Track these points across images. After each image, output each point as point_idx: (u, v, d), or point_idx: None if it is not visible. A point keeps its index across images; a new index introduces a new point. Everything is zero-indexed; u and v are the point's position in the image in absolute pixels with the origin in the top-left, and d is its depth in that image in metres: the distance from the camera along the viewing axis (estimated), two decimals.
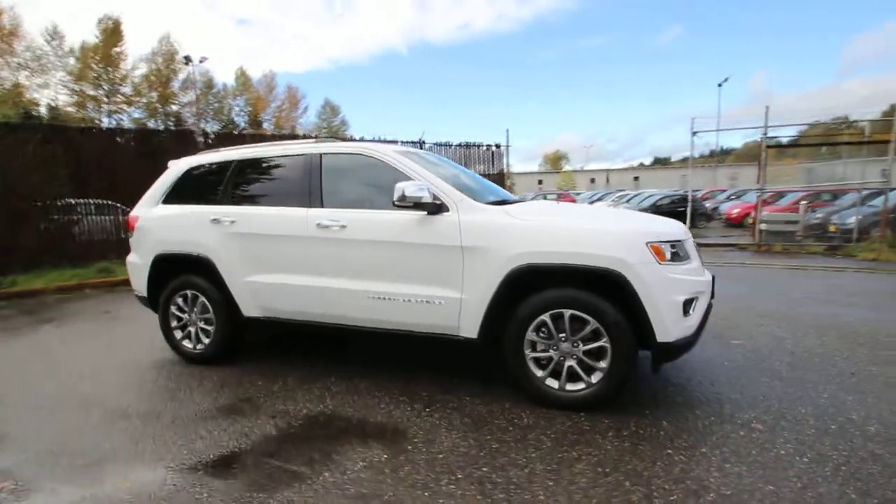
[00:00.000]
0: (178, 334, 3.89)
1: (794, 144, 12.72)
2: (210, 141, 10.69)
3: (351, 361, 3.78)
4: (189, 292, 3.79)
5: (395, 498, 2.08)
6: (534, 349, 2.88)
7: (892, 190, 9.65)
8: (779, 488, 2.05)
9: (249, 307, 3.60)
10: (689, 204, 12.38)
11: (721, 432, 2.55)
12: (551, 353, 2.84)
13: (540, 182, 51.17)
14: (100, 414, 2.99)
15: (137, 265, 4.02)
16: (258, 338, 4.37)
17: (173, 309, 3.87)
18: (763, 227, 11.16)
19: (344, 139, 5.93)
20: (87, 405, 3.12)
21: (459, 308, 2.96)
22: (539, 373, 2.87)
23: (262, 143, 3.91)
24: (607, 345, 2.71)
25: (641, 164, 72.61)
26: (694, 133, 11.89)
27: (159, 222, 3.91)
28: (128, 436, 2.70)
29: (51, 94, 35.36)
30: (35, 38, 33.99)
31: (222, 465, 2.37)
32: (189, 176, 3.98)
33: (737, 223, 16.80)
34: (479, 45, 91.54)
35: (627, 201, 20.82)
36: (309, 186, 3.41)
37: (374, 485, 2.18)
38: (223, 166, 3.84)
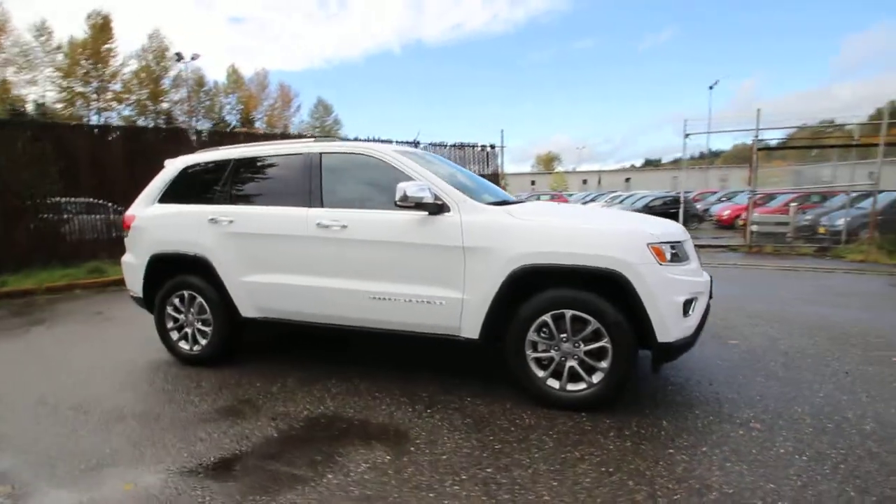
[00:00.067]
0: (175, 335, 3.84)
1: (786, 147, 12.90)
2: (203, 139, 10.59)
3: (350, 362, 3.77)
4: (186, 293, 3.75)
5: (400, 499, 2.08)
6: (535, 349, 2.89)
7: (880, 192, 9.81)
8: (780, 486, 2.08)
9: (247, 308, 3.57)
10: (682, 205, 12.51)
11: (721, 431, 2.58)
12: (552, 353, 2.85)
13: (532, 183, 51.40)
14: (96, 416, 2.95)
15: (133, 265, 3.97)
16: (256, 339, 4.33)
17: (169, 309, 3.83)
18: (754, 228, 11.30)
19: (337, 139, 5.91)
20: (83, 408, 3.07)
21: (461, 308, 2.96)
22: (540, 373, 2.88)
23: (260, 143, 3.89)
24: (608, 345, 2.73)
25: (633, 166, 73.23)
26: (687, 135, 12.00)
27: (155, 222, 3.87)
28: (126, 438, 2.67)
29: (38, 90, 34.86)
30: (22, 33, 33.49)
31: (224, 468, 2.35)
32: (186, 175, 3.94)
33: (728, 224, 16.98)
34: (473, 45, 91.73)
35: (620, 202, 20.98)
36: (309, 186, 3.39)
37: (379, 486, 2.17)
38: (221, 165, 3.81)
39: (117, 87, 38.55)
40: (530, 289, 2.85)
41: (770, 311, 5.04)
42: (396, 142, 11.56)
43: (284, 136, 13.13)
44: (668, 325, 2.65)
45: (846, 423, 2.63)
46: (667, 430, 2.60)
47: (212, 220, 3.60)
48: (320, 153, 3.45)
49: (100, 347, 4.38)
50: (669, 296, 2.66)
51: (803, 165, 14.41)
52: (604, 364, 2.75)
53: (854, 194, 10.98)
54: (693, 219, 17.04)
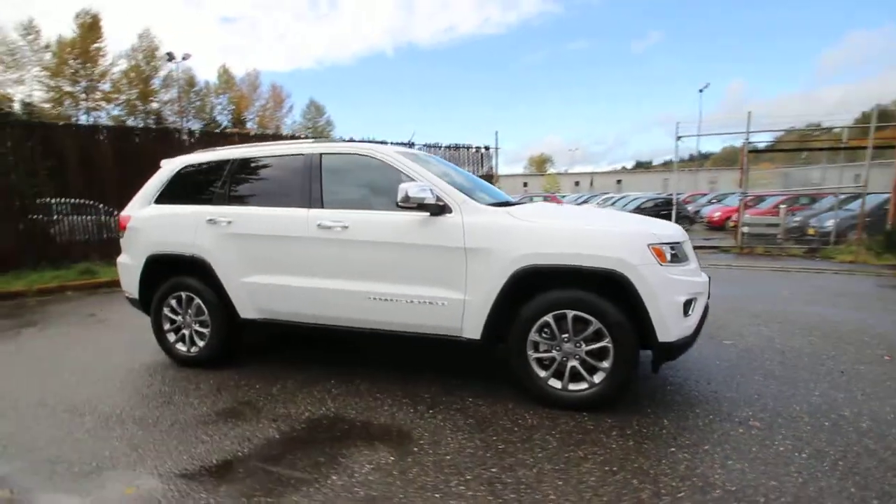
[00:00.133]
0: (172, 337, 3.80)
1: (777, 149, 13.07)
2: (195, 140, 10.48)
3: (350, 363, 3.75)
4: (183, 294, 3.71)
5: (405, 500, 2.07)
6: (536, 350, 2.90)
7: (868, 195, 9.98)
8: (781, 483, 2.11)
9: (246, 309, 3.54)
10: (674, 207, 12.62)
11: (721, 430, 2.60)
12: (554, 353, 2.87)
13: (525, 184, 51.57)
14: (94, 420, 2.91)
15: (129, 266, 3.93)
16: (253, 340, 4.30)
17: (166, 311, 3.79)
18: (745, 229, 11.44)
19: (331, 140, 5.88)
20: (79, 411, 3.03)
21: (463, 309, 2.97)
22: (542, 373, 2.89)
23: (259, 143, 3.87)
24: (610, 345, 2.75)
25: (624, 168, 73.75)
26: (679, 137, 12.13)
27: (152, 222, 3.83)
28: (125, 441, 2.63)
29: (26, 89, 34.34)
30: (9, 32, 32.99)
31: (226, 470, 2.33)
32: (183, 175, 3.91)
33: (718, 226, 17.18)
34: (465, 47, 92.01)
35: (612, 204, 21.12)
36: (309, 187, 3.38)
37: (384, 487, 2.17)
38: (219, 166, 3.78)
39: (106, 86, 38.16)
40: (532, 289, 2.86)
41: (765, 312, 5.10)
42: (390, 143, 11.53)
43: (276, 136, 12.98)
44: (669, 325, 2.68)
45: (843, 421, 2.67)
46: (668, 429, 2.62)
47: (210, 220, 3.58)
48: (321, 154, 3.44)
49: (94, 349, 4.32)
50: (670, 296, 2.69)
51: (791, 168, 14.62)
52: (605, 364, 2.77)
53: (842, 196, 11.16)
54: (684, 220, 17.20)
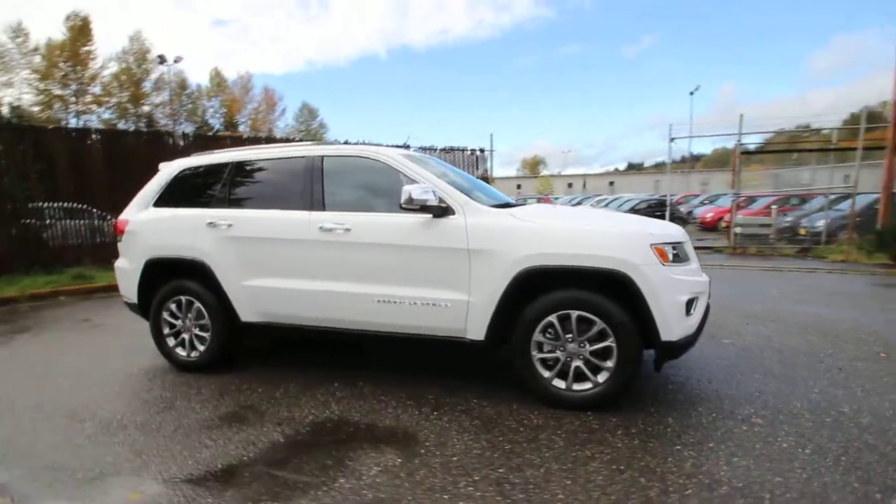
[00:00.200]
0: (171, 341, 3.77)
1: (768, 151, 13.24)
2: (188, 143, 10.40)
3: (353, 366, 3.74)
4: (183, 298, 3.69)
5: (415, 502, 2.07)
6: (540, 350, 2.91)
7: (858, 195, 10.13)
8: (786, 479, 2.13)
9: (247, 312, 3.52)
10: (668, 208, 12.73)
11: (724, 427, 2.63)
12: (558, 353, 2.88)
13: (518, 186, 51.78)
14: (94, 425, 2.87)
15: (127, 270, 3.89)
16: (253, 344, 4.27)
17: (165, 315, 3.76)
18: (738, 230, 11.56)
19: (324, 142, 5.87)
20: (78, 417, 2.99)
21: (466, 310, 2.97)
22: (546, 373, 2.90)
23: (259, 146, 3.86)
24: (613, 345, 2.76)
25: (616, 170, 74.26)
26: (672, 139, 12.26)
27: (150, 226, 3.80)
28: (128, 447, 2.60)
29: (14, 92, 33.91)
30: None
31: (232, 475, 2.31)
32: (182, 178, 3.89)
33: (711, 227, 17.35)
34: (459, 50, 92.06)
35: (606, 206, 21.25)
36: (310, 189, 3.37)
37: (392, 489, 2.16)
38: (218, 169, 3.76)
39: (97, 89, 37.77)
40: (535, 290, 2.88)
41: (761, 311, 5.16)
42: (385, 146, 11.53)
43: (269, 139, 12.94)
44: (672, 325, 2.70)
45: (843, 418, 2.70)
46: (672, 428, 2.64)
47: (210, 223, 3.55)
48: (322, 156, 3.44)
49: (90, 355, 4.27)
50: (672, 295, 2.71)
51: (781, 169, 14.80)
52: (609, 363, 2.79)
53: (832, 196, 11.31)
54: (677, 221, 17.22)
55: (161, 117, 40.53)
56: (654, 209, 17.44)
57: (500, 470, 2.28)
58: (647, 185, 45.59)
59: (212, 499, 2.13)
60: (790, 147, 13.77)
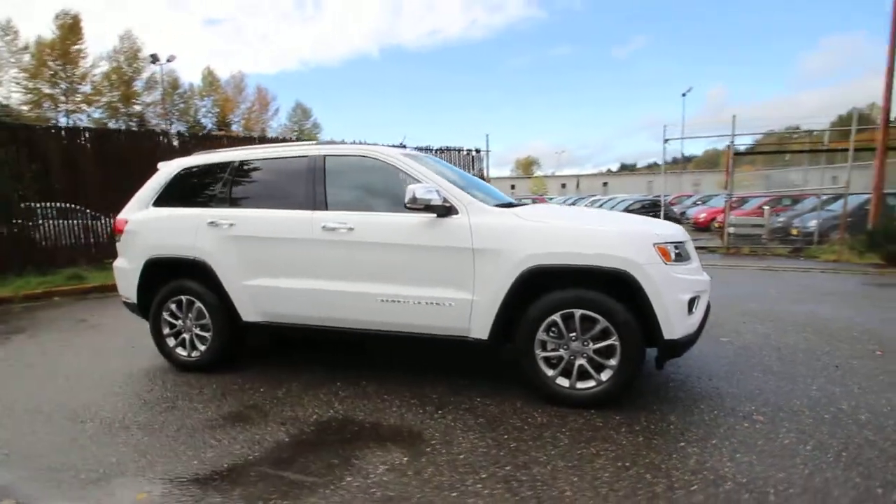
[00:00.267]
0: (172, 341, 3.75)
1: (761, 152, 13.39)
2: (183, 143, 10.32)
3: (355, 365, 3.74)
4: (183, 298, 3.67)
5: (423, 499, 2.08)
6: (544, 349, 2.93)
7: (849, 195, 10.27)
8: (789, 475, 2.16)
9: (249, 312, 3.51)
10: (662, 208, 12.83)
11: (726, 424, 2.66)
12: (561, 352, 2.90)
13: (513, 187, 51.84)
14: (96, 426, 2.85)
15: (126, 270, 3.86)
16: (255, 343, 4.25)
17: (166, 315, 3.73)
18: (731, 230, 11.68)
19: (318, 141, 5.84)
20: (80, 418, 2.97)
21: (470, 309, 2.98)
22: (550, 372, 2.92)
23: (260, 146, 3.85)
24: (616, 343, 2.79)
25: (609, 171, 74.71)
26: (666, 140, 12.34)
27: (150, 225, 3.78)
28: (132, 447, 2.59)
29: (3, 91, 33.47)
30: None
31: (239, 474, 2.31)
32: (182, 178, 3.86)
33: (704, 227, 17.49)
34: (452, 50, 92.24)
35: (600, 206, 21.37)
36: (313, 189, 3.37)
37: (400, 487, 2.17)
38: (219, 168, 3.75)
39: (87, 88, 37.34)
40: (539, 289, 2.89)
41: (758, 310, 5.22)
42: (382, 145, 11.52)
43: (263, 139, 12.84)
44: (674, 323, 2.73)
45: (842, 414, 2.75)
46: (675, 425, 2.67)
47: (211, 223, 3.54)
48: (324, 156, 3.43)
49: (88, 355, 4.23)
50: (675, 294, 2.74)
51: (772, 170, 14.98)
52: (612, 362, 2.81)
53: (824, 197, 11.46)
54: (671, 221, 17.45)
55: (152, 117, 40.18)
56: (648, 209, 17.55)
57: (507, 467, 2.30)
58: (640, 186, 45.93)
59: (220, 498, 2.12)
60: (780, 148, 13.94)
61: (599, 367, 2.85)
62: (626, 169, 74.50)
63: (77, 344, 4.62)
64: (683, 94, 33.38)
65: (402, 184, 3.21)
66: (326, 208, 3.32)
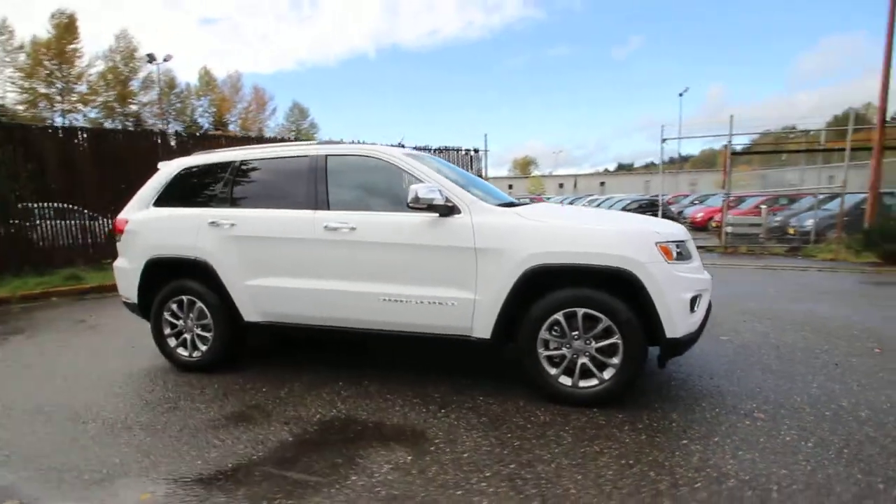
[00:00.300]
0: (172, 342, 3.74)
1: (759, 152, 13.45)
2: (181, 143, 10.28)
3: (357, 365, 3.75)
4: (185, 298, 3.66)
5: (428, 498, 2.08)
6: (546, 348, 2.94)
7: (846, 194, 10.33)
8: (792, 472, 2.18)
9: (250, 312, 3.51)
10: (660, 208, 12.86)
11: (728, 422, 2.67)
12: (564, 350, 2.91)
13: (510, 186, 51.88)
14: (98, 427, 2.84)
15: (126, 270, 3.85)
16: (255, 343, 4.24)
17: (167, 315, 3.72)
18: (729, 229, 11.73)
19: (314, 141, 5.83)
20: (81, 418, 2.96)
21: (473, 309, 2.99)
22: (552, 371, 2.93)
23: (261, 145, 3.85)
24: (619, 342, 2.80)
25: (606, 170, 74.87)
26: (664, 140, 12.39)
27: (151, 225, 3.77)
28: (134, 448, 2.58)
29: None
30: None
31: (243, 474, 2.31)
32: (182, 178, 3.86)
33: (701, 226, 17.55)
34: (449, 50, 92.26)
35: (598, 205, 21.40)
36: (315, 188, 3.37)
37: (405, 486, 2.17)
38: (220, 168, 3.74)
39: (83, 88, 37.18)
40: (541, 288, 2.90)
41: (757, 308, 5.25)
42: (382, 145, 11.50)
43: (260, 139, 12.80)
44: (676, 322, 2.74)
45: (843, 411, 2.77)
46: (677, 423, 2.68)
47: (212, 223, 3.53)
48: (326, 156, 3.43)
49: (88, 356, 4.22)
50: (677, 293, 2.76)
51: (768, 169, 15.05)
52: (615, 360, 2.82)
53: (821, 196, 11.52)
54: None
55: (149, 116, 40.05)
56: (645, 209, 17.59)
57: (511, 466, 2.30)
58: (637, 186, 46.02)
59: (224, 498, 2.12)
60: (777, 148, 14.01)
61: (602, 366, 2.86)
62: (624, 169, 74.69)
63: (76, 344, 4.60)
64: (680, 94, 33.55)
65: (404, 183, 3.22)
66: (328, 208, 3.32)
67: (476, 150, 13.76)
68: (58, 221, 8.37)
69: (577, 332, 2.86)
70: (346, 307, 3.25)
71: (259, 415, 2.94)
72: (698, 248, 10.15)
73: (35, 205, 8.16)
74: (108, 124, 35.95)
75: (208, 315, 3.59)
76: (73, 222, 8.49)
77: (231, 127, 44.54)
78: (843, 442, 2.43)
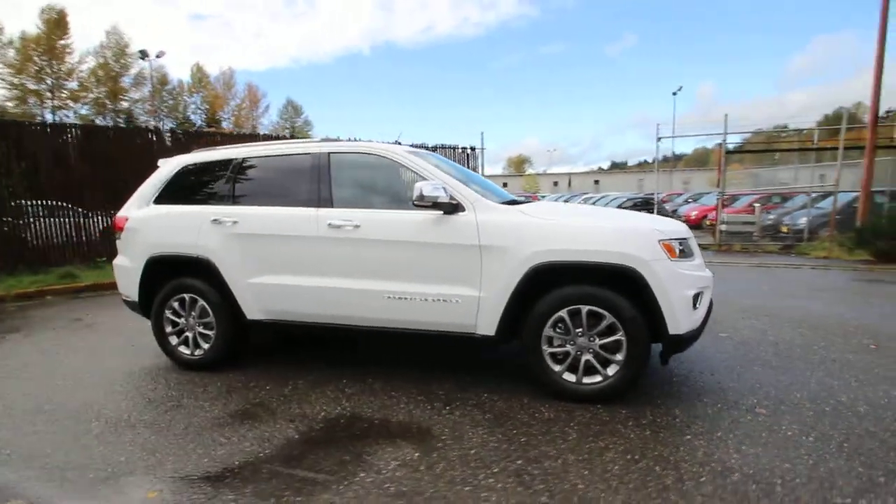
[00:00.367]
0: (174, 340, 3.72)
1: (753, 150, 13.56)
2: (178, 140, 10.19)
3: (361, 362, 3.75)
4: (186, 296, 3.64)
5: (437, 494, 2.09)
6: (551, 345, 2.96)
7: (839, 193, 10.45)
8: (794, 465, 2.21)
9: (253, 310, 3.50)
10: (656, 206, 12.94)
11: (730, 417, 2.71)
12: (568, 347, 2.93)
13: (504, 185, 51.87)
14: (101, 426, 2.83)
15: (127, 268, 3.82)
16: (258, 341, 4.23)
17: (168, 313, 3.70)
18: (723, 227, 11.84)
19: (310, 139, 5.82)
20: (83, 417, 2.94)
21: (477, 306, 3.00)
22: (556, 367, 2.95)
23: (263, 143, 3.83)
24: (623, 338, 2.82)
25: (600, 168, 75.15)
26: (659, 139, 12.47)
27: (152, 223, 3.74)
28: (139, 446, 2.57)
29: None
30: None
31: (250, 471, 2.30)
32: (183, 175, 3.83)
33: (695, 225, 17.69)
34: (444, 48, 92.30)
35: (593, 203, 21.50)
36: (317, 186, 3.36)
37: (413, 483, 2.18)
38: (222, 165, 3.72)
39: (73, 85, 36.76)
40: (545, 286, 2.92)
41: (753, 306, 5.31)
42: (380, 143, 11.45)
43: (253, 136, 12.68)
44: (679, 318, 2.77)
45: (842, 406, 2.81)
46: (681, 418, 2.71)
47: (214, 220, 3.52)
48: (328, 153, 3.43)
49: (86, 354, 4.19)
50: (680, 290, 2.78)
51: (760, 168, 15.17)
52: (618, 357, 2.85)
53: (814, 195, 11.65)
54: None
55: (141, 113, 39.69)
56: (640, 207, 17.71)
57: (518, 462, 2.32)
58: (631, 184, 46.30)
59: (232, 495, 2.12)
60: (769, 147, 14.14)
61: (605, 363, 2.89)
62: (617, 167, 75.03)
63: (74, 343, 4.56)
64: (674, 93, 33.74)
65: (407, 181, 3.23)
66: (331, 205, 3.32)
67: (472, 148, 13.76)
68: (52, 219, 8.27)
69: (581, 329, 2.88)
70: (349, 305, 3.25)
71: (264, 412, 2.93)
72: None
73: (28, 202, 8.05)
74: (99, 121, 35.60)
75: (210, 313, 3.58)
76: (66, 220, 8.39)
77: (224, 124, 44.27)
78: (843, 436, 2.47)
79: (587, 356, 2.89)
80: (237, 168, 3.65)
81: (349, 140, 4.83)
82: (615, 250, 2.77)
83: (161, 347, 3.76)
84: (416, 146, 12.53)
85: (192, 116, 44.32)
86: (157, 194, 3.84)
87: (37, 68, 34.40)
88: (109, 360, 4.01)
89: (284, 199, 3.46)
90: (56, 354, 4.22)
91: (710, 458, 2.29)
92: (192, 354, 3.67)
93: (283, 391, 3.23)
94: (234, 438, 2.62)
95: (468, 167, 13.79)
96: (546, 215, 3.06)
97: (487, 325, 3.01)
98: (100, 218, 8.64)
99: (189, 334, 3.67)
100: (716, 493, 2.03)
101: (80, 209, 8.49)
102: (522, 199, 3.79)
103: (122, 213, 3.92)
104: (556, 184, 56.41)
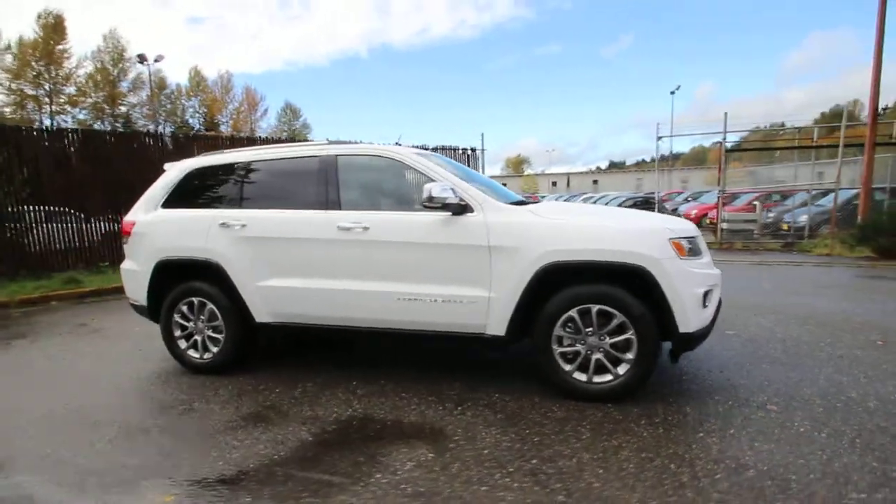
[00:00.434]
0: (183, 343, 3.72)
1: (752, 149, 13.60)
2: (179, 144, 10.18)
3: (370, 364, 3.76)
4: (195, 299, 3.64)
5: (454, 494, 2.10)
6: (561, 344, 2.96)
7: (840, 190, 10.48)
8: (808, 461, 2.23)
9: (262, 313, 3.50)
10: (656, 205, 12.97)
11: (742, 415, 2.72)
12: (578, 347, 2.94)
13: (504, 185, 51.94)
14: (114, 430, 2.83)
15: (135, 273, 3.83)
16: (263, 344, 4.24)
17: (177, 317, 3.71)
18: (724, 226, 11.87)
19: (308, 140, 5.82)
20: (95, 422, 2.94)
21: (487, 307, 3.01)
22: (567, 367, 2.96)
23: (270, 146, 3.84)
24: (633, 337, 2.83)
25: (599, 168, 75.27)
26: (659, 138, 12.50)
27: (160, 227, 3.75)
28: (154, 450, 2.58)
29: None
30: None
31: (266, 474, 2.31)
32: (190, 179, 3.84)
33: (695, 223, 17.73)
34: (440, 49, 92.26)
35: (593, 203, 21.54)
36: (326, 189, 3.37)
37: (430, 483, 2.19)
38: (229, 169, 3.73)
39: (71, 89, 36.71)
40: (555, 286, 2.93)
41: (759, 303, 5.32)
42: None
43: (252, 140, 12.66)
44: (689, 317, 2.78)
45: (852, 402, 2.82)
46: (692, 416, 2.72)
47: (223, 224, 3.52)
48: (336, 156, 3.44)
49: (95, 360, 4.19)
50: (690, 288, 2.79)
51: (759, 166, 15.22)
52: (629, 355, 2.85)
53: (814, 192, 11.68)
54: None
55: (139, 117, 39.64)
56: (640, 206, 17.75)
57: (533, 461, 2.33)
58: (630, 184, 46.38)
59: (250, 498, 2.12)
60: (767, 145, 14.19)
61: (616, 361, 2.90)
62: (616, 166, 75.16)
63: (81, 348, 4.56)
64: (672, 93, 33.69)
65: (415, 183, 3.24)
66: (340, 208, 3.32)
67: (473, 150, 13.78)
68: (53, 225, 8.27)
69: (591, 329, 2.89)
70: (359, 307, 3.26)
71: (275, 415, 2.94)
72: None
73: (30, 208, 8.05)
74: (97, 126, 35.52)
75: (219, 316, 3.58)
76: (69, 226, 8.39)
77: (222, 128, 44.22)
78: (855, 432, 2.48)
79: (597, 355, 2.90)
80: (244, 171, 3.66)
81: (349, 142, 4.85)
82: (626, 249, 2.78)
83: (170, 351, 3.76)
84: (417, 147, 12.56)
85: (191, 120, 44.30)
86: (164, 198, 3.84)
87: (34, 73, 34.34)
88: (118, 364, 4.01)
89: (293, 202, 3.47)
90: (64, 360, 4.22)
91: (724, 455, 2.30)
92: (202, 358, 3.67)
93: (293, 393, 3.24)
94: (247, 441, 2.62)
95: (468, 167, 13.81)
96: (555, 215, 3.07)
97: (497, 325, 3.02)
98: (101, 223, 8.64)
99: (198, 338, 3.68)
100: (731, 490, 2.04)
101: (81, 214, 8.49)
102: (528, 199, 3.80)
103: (129, 218, 3.92)
104: (554, 184, 56.47)
